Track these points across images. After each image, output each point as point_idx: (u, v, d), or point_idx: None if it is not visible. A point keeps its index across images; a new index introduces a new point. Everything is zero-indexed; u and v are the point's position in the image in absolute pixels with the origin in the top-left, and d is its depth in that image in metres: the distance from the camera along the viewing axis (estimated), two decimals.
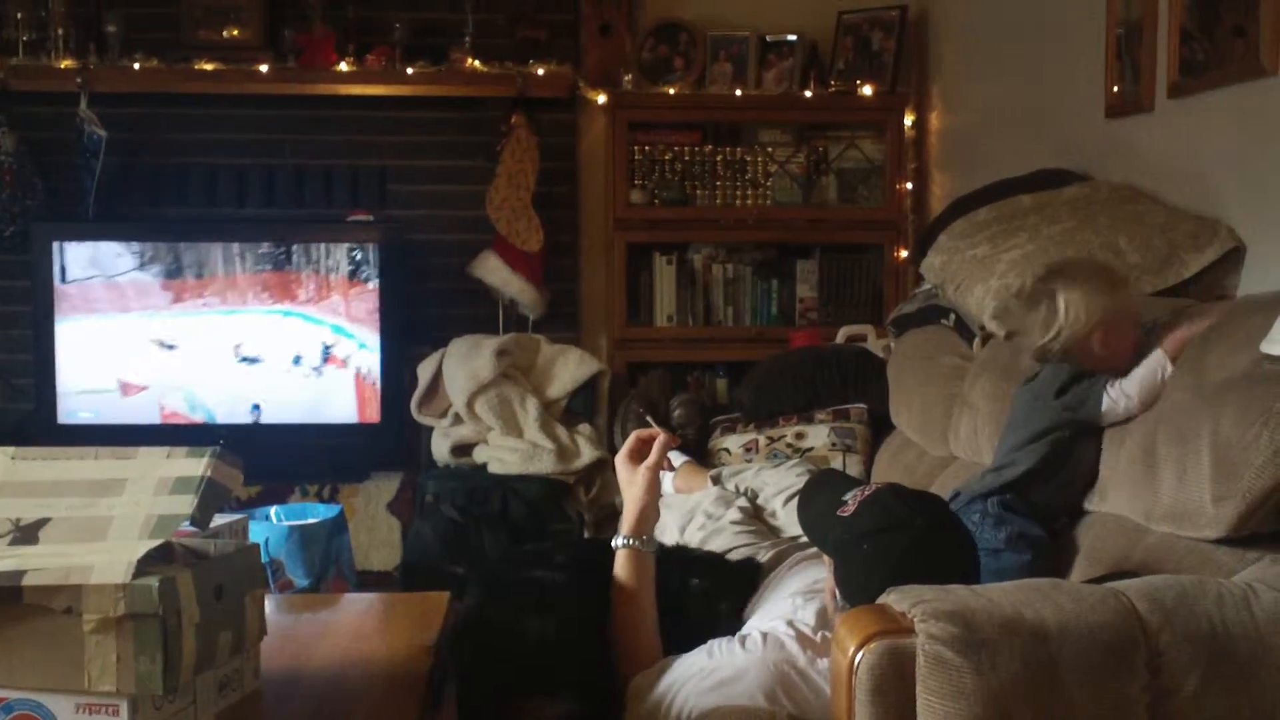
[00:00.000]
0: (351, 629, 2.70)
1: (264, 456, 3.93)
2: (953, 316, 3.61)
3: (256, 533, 3.28)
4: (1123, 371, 2.51)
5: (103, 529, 1.79)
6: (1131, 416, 2.47)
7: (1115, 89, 3.55)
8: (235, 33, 4.91)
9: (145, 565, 1.70)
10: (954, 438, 3.23)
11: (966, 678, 1.72)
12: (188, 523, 1.84)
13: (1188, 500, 2.17)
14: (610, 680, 2.44)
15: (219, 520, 2.48)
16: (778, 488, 3.34)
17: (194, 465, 1.89)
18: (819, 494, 2.37)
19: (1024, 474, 2.60)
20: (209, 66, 4.84)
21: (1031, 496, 2.59)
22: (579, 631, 2.44)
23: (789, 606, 2.44)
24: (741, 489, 3.41)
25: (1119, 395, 2.48)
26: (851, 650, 1.77)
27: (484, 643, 2.45)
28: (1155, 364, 2.45)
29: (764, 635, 2.30)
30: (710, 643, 2.35)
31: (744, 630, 2.40)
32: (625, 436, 4.06)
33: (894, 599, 1.83)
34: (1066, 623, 1.78)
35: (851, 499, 2.20)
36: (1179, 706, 1.78)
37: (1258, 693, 1.82)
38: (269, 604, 2.21)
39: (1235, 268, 2.96)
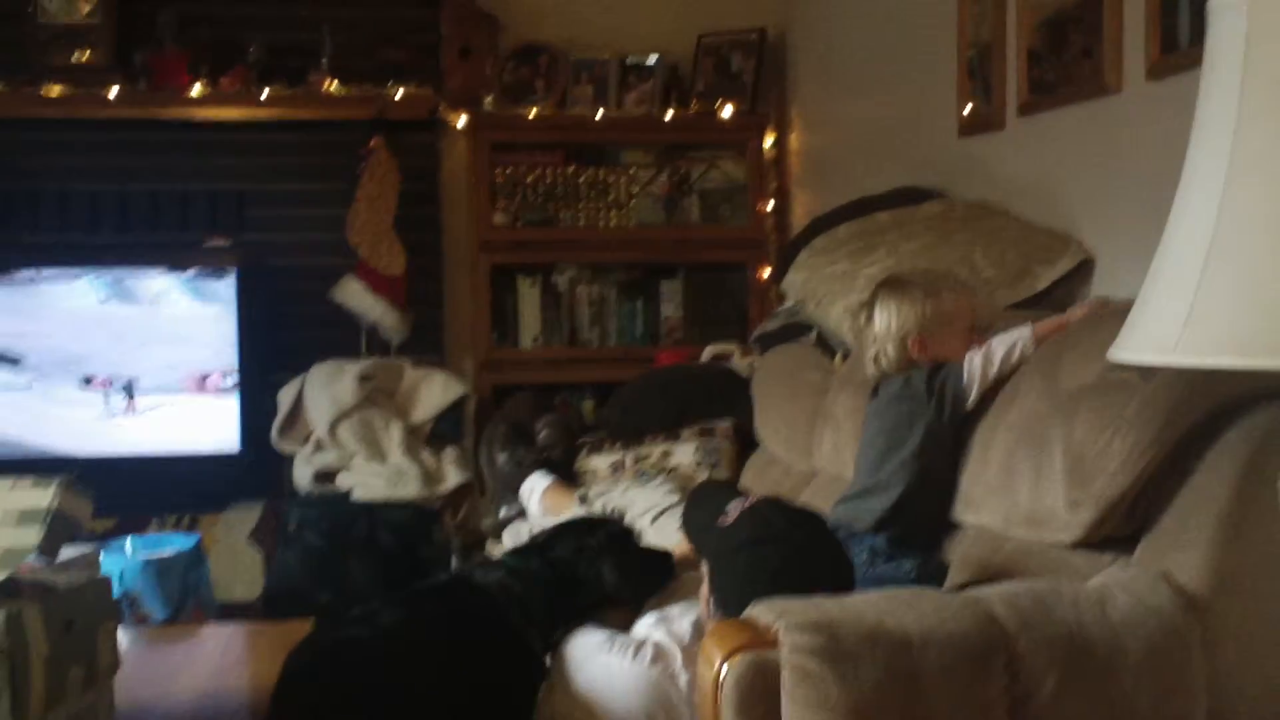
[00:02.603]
0: (213, 660, 2.65)
1: (120, 487, 3.84)
2: (814, 333, 3.65)
3: (110, 565, 3.20)
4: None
5: None
6: (987, 378, 2.48)
7: (969, 108, 3.63)
8: (86, 55, 4.79)
9: None
10: (818, 451, 3.26)
11: (831, 688, 1.73)
12: (35, 555, 1.78)
13: (1043, 505, 2.21)
14: None
15: (69, 552, 2.40)
16: (645, 506, 3.34)
17: (40, 496, 1.83)
18: (704, 501, 2.40)
19: (902, 494, 2.56)
20: (56, 91, 4.72)
21: (912, 513, 2.57)
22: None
23: (679, 611, 2.45)
24: (608, 508, 3.41)
25: (974, 353, 2.49)
26: (717, 663, 1.77)
27: None
28: (1016, 334, 2.47)
29: (655, 647, 2.31)
30: (614, 636, 2.35)
31: (641, 633, 2.40)
32: (492, 460, 4.07)
33: (760, 611, 1.84)
34: (928, 631, 1.80)
35: (733, 508, 2.22)
36: (1038, 709, 1.81)
37: (1115, 693, 1.85)
38: (125, 637, 2.15)
39: (1086, 279, 3.04)
